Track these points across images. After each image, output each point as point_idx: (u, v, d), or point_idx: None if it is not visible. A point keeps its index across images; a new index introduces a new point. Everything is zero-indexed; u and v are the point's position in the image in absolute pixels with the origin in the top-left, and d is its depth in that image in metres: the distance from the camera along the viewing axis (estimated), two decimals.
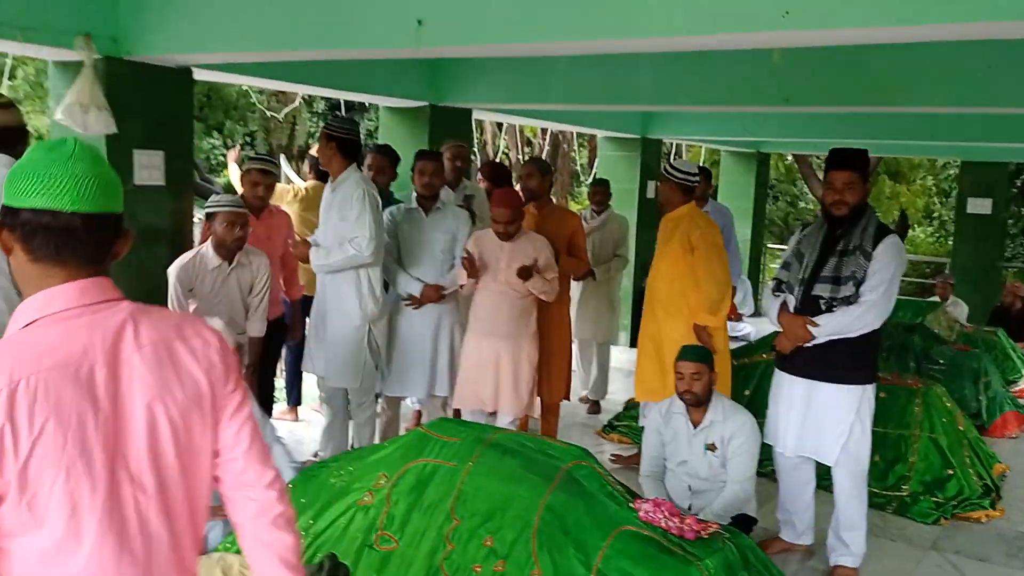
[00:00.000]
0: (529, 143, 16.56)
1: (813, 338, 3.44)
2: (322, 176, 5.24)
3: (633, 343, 8.47)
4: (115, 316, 1.30)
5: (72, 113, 3.82)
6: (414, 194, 4.46)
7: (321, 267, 4.12)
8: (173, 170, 4.26)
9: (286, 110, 11.50)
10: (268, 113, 11.76)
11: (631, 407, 5.64)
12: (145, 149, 4.10)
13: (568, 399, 5.03)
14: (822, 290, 3.43)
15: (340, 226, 4.03)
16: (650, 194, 8.60)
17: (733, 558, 2.50)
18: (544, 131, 15.51)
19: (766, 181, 11.42)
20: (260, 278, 4.07)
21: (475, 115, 7.06)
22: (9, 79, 10.99)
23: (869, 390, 3.54)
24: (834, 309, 3.40)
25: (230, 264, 3.96)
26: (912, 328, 6.57)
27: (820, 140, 9.06)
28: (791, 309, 3.55)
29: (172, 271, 3.88)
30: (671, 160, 6.25)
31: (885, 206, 17.10)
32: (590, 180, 11.25)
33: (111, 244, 1.33)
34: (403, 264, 4.42)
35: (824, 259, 3.46)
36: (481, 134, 16.40)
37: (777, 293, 3.65)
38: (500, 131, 15.02)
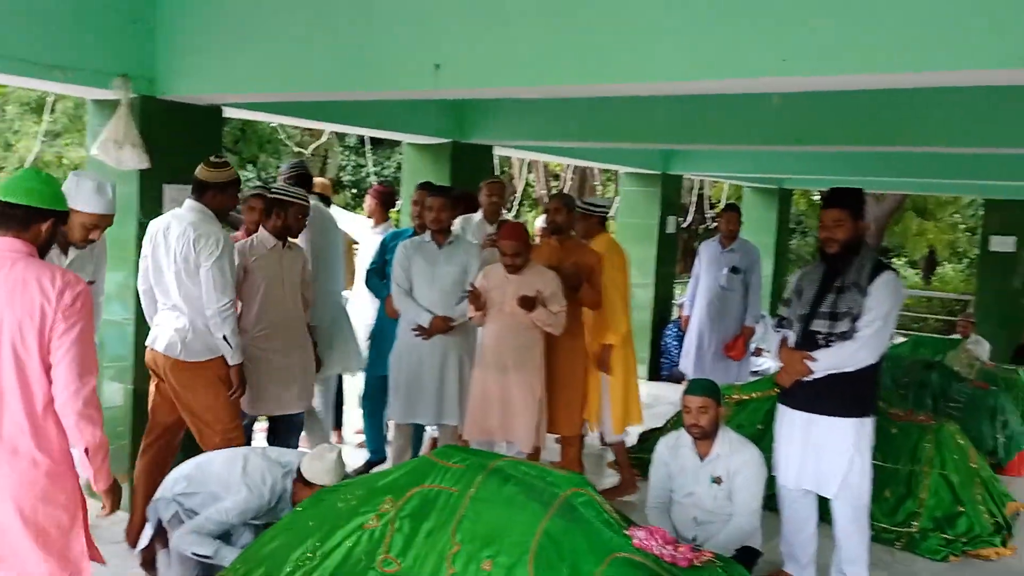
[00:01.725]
0: (557, 177, 16.75)
1: (811, 372, 3.52)
2: None
3: (652, 375, 8.58)
4: (11, 258, 2.43)
5: (107, 149, 4.04)
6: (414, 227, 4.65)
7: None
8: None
9: (314, 145, 11.78)
10: (296, 149, 12.04)
11: (645, 439, 5.69)
12: (175, 184, 4.30)
13: (587, 431, 5.10)
14: (820, 326, 3.53)
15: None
16: (670, 229, 8.70)
17: None
18: (571, 166, 15.71)
19: (787, 217, 11.47)
20: (304, 263, 4.35)
21: (499, 151, 7.25)
22: (50, 112, 11.41)
23: (868, 423, 3.61)
24: (831, 344, 3.49)
25: (283, 246, 4.21)
26: (931, 365, 6.56)
27: (840, 177, 9.11)
28: (791, 344, 3.64)
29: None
30: (583, 197, 6.52)
31: (912, 243, 17.02)
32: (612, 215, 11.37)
33: (29, 222, 2.47)
34: (414, 295, 4.56)
35: (822, 295, 3.56)
36: (508, 169, 16.65)
37: (779, 329, 3.75)
38: (525, 167, 15.20)
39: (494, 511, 2.78)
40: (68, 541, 2.52)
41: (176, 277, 3.70)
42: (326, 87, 3.73)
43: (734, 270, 6.42)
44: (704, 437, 3.80)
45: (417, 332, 4.52)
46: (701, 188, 12.63)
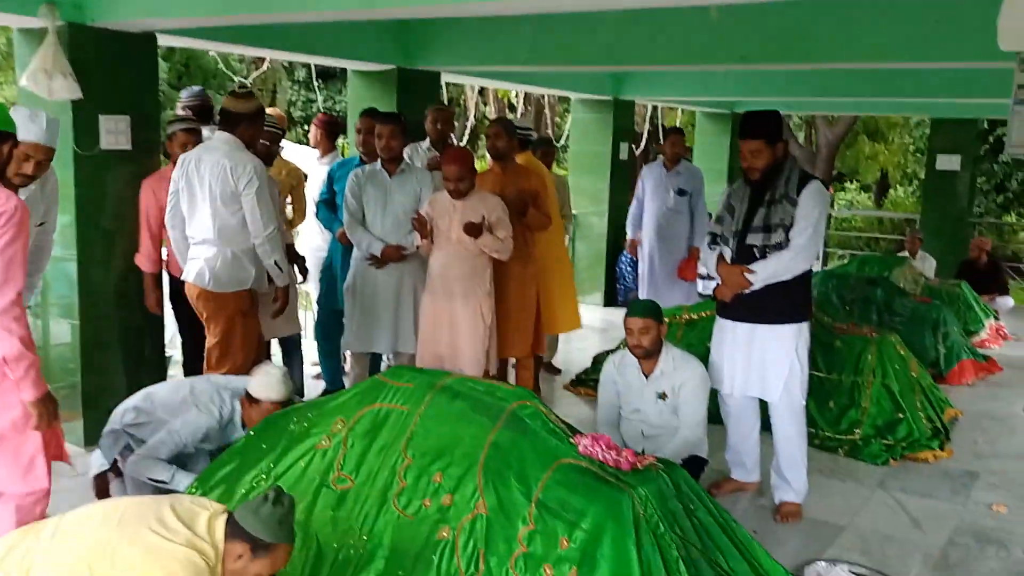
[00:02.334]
0: (512, 108, 16.59)
1: (751, 285, 3.60)
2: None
3: (608, 302, 8.68)
4: None
5: (37, 79, 3.90)
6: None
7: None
8: (139, 135, 4.35)
9: (255, 74, 11.48)
10: (236, 78, 11.72)
11: (598, 362, 5.79)
12: (111, 114, 4.18)
13: (541, 353, 5.18)
14: (754, 239, 3.60)
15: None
16: (623, 156, 8.69)
17: (665, 487, 2.66)
18: (527, 96, 15.55)
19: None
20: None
21: (448, 78, 7.14)
22: None
23: (805, 328, 3.74)
24: (767, 256, 3.57)
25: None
26: (875, 281, 6.73)
27: (792, 99, 9.15)
28: (728, 260, 3.71)
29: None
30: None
31: (865, 166, 17.23)
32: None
33: None
34: (368, 224, 4.53)
35: (754, 210, 3.63)
36: (462, 99, 16.43)
37: (713, 246, 3.81)
38: (477, 96, 15.01)
39: (444, 426, 2.83)
40: (23, 439, 2.70)
41: (212, 208, 3.76)
42: (258, 8, 3.63)
43: (680, 192, 6.45)
44: (647, 356, 3.87)
45: (370, 261, 4.51)
46: (655, 116, 12.58)
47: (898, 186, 19.27)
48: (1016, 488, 4.23)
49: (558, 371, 6.13)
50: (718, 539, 2.71)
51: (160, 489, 3.22)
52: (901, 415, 4.73)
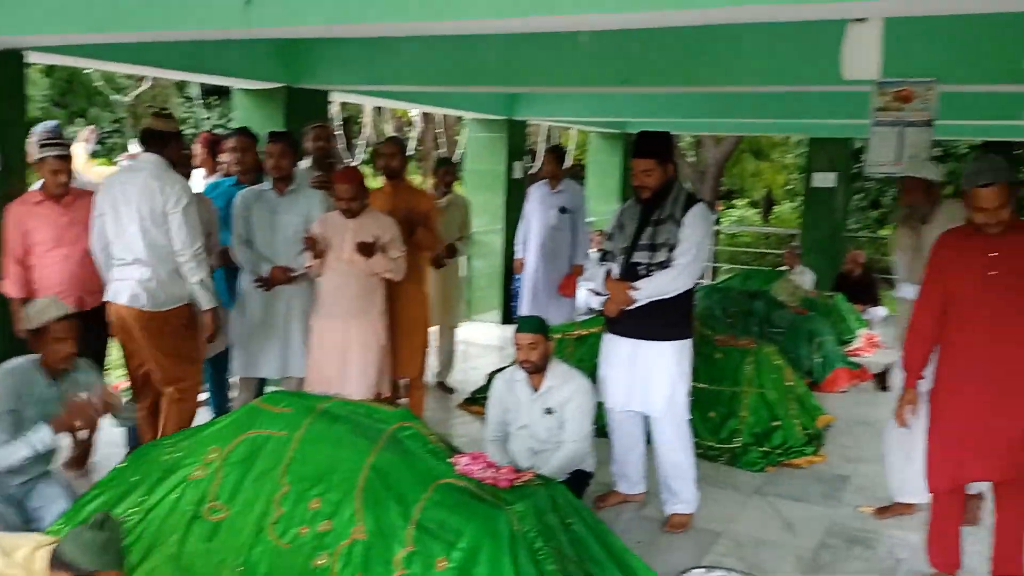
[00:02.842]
0: (411, 124, 16.58)
1: (635, 301, 3.71)
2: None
3: (505, 319, 8.75)
4: None
5: None
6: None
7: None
8: (8, 152, 4.17)
9: (136, 91, 11.11)
10: (114, 96, 11.33)
11: (493, 378, 5.83)
12: None
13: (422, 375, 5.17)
14: (641, 257, 3.73)
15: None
16: (516, 175, 8.81)
17: (542, 502, 2.71)
18: (427, 115, 15.60)
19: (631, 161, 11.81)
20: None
21: (338, 97, 7.10)
22: None
23: (687, 345, 3.87)
24: (652, 274, 3.69)
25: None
26: (756, 295, 7.04)
27: (680, 120, 9.47)
28: (615, 276, 3.82)
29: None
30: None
31: (750, 183, 17.95)
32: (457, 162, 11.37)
33: None
34: (256, 246, 4.46)
35: (642, 229, 3.76)
36: (360, 117, 16.30)
37: (602, 263, 3.92)
38: (375, 114, 14.96)
39: (322, 451, 2.81)
40: None
41: (142, 228, 3.75)
42: (131, 26, 3.52)
43: (562, 210, 6.58)
44: (536, 371, 3.94)
45: (258, 284, 4.43)
46: (549, 135, 12.81)
47: (784, 202, 20.15)
48: (882, 490, 4.47)
49: (451, 390, 6.14)
50: (593, 551, 2.78)
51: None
52: (777, 423, 4.95)
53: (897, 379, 3.87)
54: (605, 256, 3.94)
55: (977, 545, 3.60)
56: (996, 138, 11.46)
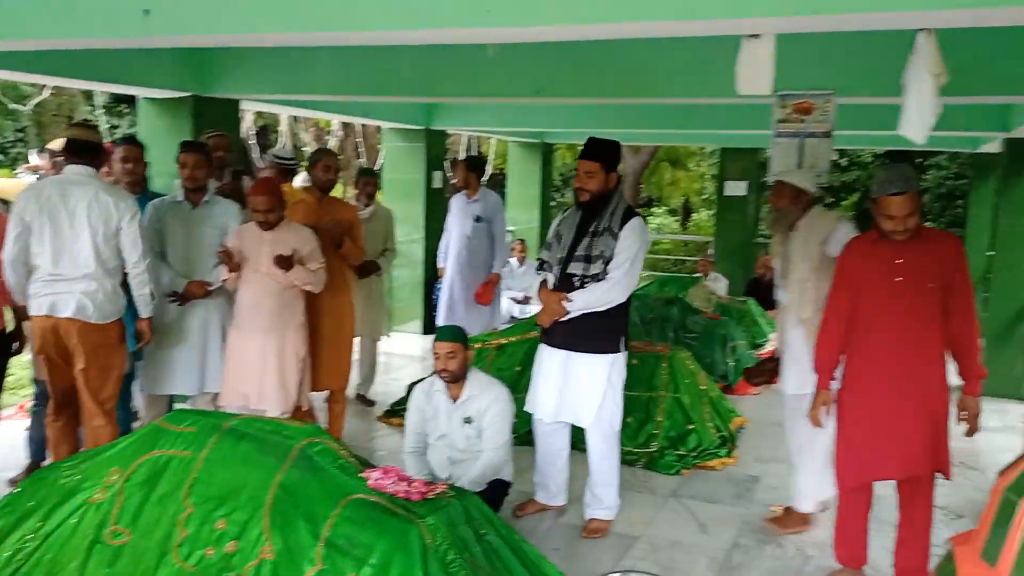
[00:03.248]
0: (330, 133, 16.39)
1: (568, 312, 3.73)
2: None
3: (427, 330, 8.71)
4: None
5: None
6: (180, 187, 4.38)
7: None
8: None
9: (37, 99, 10.68)
10: (13, 105, 10.89)
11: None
12: None
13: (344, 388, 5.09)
14: (576, 268, 3.74)
15: None
16: (435, 184, 8.79)
17: (455, 514, 2.70)
18: (347, 124, 15.44)
19: (550, 170, 11.94)
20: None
21: (248, 106, 6.96)
22: None
23: (620, 358, 3.87)
24: (586, 285, 3.70)
25: None
26: (671, 301, 7.17)
27: (594, 130, 9.53)
28: (550, 286, 3.84)
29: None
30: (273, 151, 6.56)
31: (668, 192, 18.34)
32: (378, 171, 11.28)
33: None
34: (169, 259, 4.33)
35: (579, 240, 3.77)
36: (276, 125, 16.02)
37: (540, 272, 3.93)
38: (292, 123, 14.75)
39: (228, 470, 2.74)
40: None
41: (94, 243, 3.73)
42: (27, 34, 3.38)
43: (478, 219, 6.60)
44: (454, 381, 3.93)
45: (172, 299, 4.30)
46: (469, 145, 12.85)
47: (701, 210, 20.65)
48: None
49: (372, 403, 6.08)
50: (507, 561, 2.77)
51: None
52: (691, 426, 5.05)
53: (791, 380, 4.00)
54: (542, 265, 3.94)
55: (881, 539, 3.74)
56: (898, 147, 11.99)
